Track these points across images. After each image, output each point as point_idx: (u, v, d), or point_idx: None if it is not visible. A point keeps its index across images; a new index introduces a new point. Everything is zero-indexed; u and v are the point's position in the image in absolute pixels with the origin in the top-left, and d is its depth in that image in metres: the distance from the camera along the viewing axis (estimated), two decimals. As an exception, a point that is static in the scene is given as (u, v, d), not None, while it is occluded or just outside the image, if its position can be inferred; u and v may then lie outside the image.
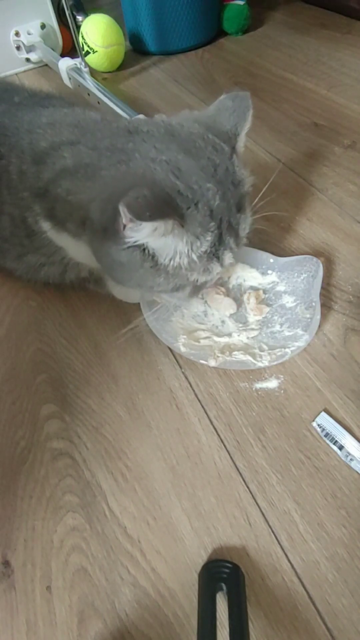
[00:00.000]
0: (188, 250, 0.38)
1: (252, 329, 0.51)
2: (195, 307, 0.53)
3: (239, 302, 0.53)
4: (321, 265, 0.51)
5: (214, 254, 0.40)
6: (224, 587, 0.35)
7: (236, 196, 0.41)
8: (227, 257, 0.41)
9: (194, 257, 0.39)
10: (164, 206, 0.35)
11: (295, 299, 0.52)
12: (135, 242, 0.36)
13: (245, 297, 0.54)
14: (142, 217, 0.33)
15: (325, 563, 0.37)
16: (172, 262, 0.39)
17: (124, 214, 0.34)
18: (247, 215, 0.43)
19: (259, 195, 0.46)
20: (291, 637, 0.34)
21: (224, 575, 0.35)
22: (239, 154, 0.44)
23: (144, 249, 0.38)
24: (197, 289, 0.44)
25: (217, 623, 0.33)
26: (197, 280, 0.41)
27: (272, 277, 0.55)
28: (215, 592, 0.35)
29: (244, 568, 0.36)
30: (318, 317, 0.47)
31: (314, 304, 0.49)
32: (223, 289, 0.54)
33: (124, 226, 0.36)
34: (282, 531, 0.38)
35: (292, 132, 0.83)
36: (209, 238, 0.38)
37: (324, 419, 0.44)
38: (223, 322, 0.52)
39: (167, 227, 0.35)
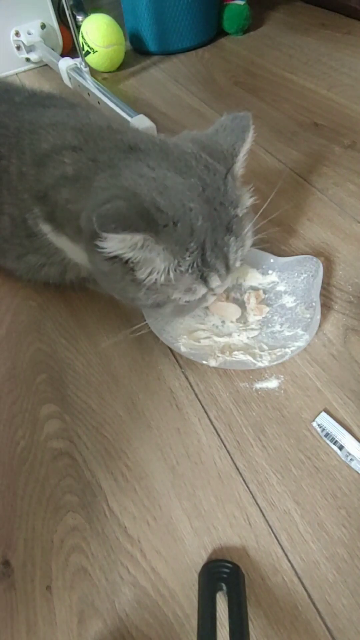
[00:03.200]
0: (165, 268, 0.37)
1: (252, 329, 0.51)
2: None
3: (239, 302, 0.53)
4: (321, 265, 0.51)
5: (199, 275, 0.39)
6: (224, 587, 0.35)
7: (226, 218, 0.39)
8: (214, 280, 0.40)
9: (172, 275, 0.38)
10: (137, 220, 0.34)
11: (295, 299, 0.52)
12: (109, 252, 0.35)
13: (245, 297, 0.54)
14: (107, 229, 0.32)
15: (325, 563, 0.37)
16: (149, 277, 0.38)
17: (94, 224, 0.33)
18: (239, 237, 0.41)
19: (268, 200, 0.45)
20: (291, 637, 0.34)
21: (224, 575, 0.35)
22: (235, 175, 0.42)
23: (126, 261, 0.37)
24: (180, 309, 0.43)
25: (217, 623, 0.33)
26: (179, 299, 0.41)
27: (272, 277, 0.55)
28: (215, 592, 0.35)
29: (244, 568, 0.36)
30: (318, 317, 0.47)
31: (314, 304, 0.49)
32: (224, 295, 0.54)
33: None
34: (282, 531, 0.38)
35: (292, 132, 0.83)
36: (188, 257, 0.37)
37: (324, 419, 0.44)
38: (223, 322, 0.52)
39: (135, 241, 0.34)
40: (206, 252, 0.38)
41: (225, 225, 0.39)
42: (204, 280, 0.40)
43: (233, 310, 0.52)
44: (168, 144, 0.43)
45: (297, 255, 0.55)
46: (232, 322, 0.52)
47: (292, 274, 0.54)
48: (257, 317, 0.52)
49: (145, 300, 0.40)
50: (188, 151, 0.41)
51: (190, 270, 0.38)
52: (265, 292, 0.54)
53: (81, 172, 0.42)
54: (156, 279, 0.38)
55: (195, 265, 0.38)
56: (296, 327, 0.49)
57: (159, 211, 0.36)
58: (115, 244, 0.34)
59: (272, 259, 0.55)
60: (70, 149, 0.44)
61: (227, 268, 0.41)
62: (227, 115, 0.44)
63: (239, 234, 0.41)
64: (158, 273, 0.37)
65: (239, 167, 0.43)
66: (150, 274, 0.38)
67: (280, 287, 0.54)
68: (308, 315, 0.49)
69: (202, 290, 0.40)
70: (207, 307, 0.53)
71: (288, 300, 0.52)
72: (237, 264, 0.42)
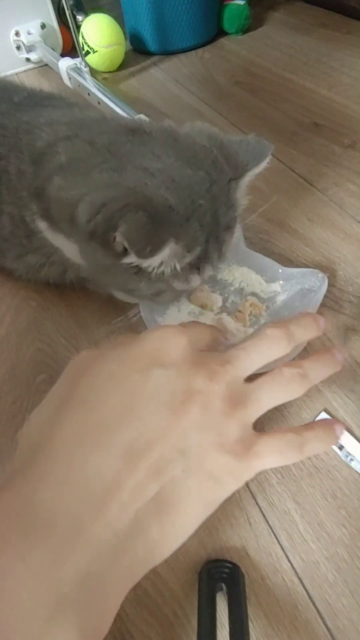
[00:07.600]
0: (174, 262, 0.38)
1: (250, 328, 0.51)
2: (191, 305, 0.53)
3: (235, 308, 0.53)
4: (326, 280, 0.50)
5: (197, 265, 0.40)
6: (224, 587, 0.35)
7: (227, 217, 0.41)
8: (207, 270, 0.41)
9: (178, 267, 0.38)
10: (162, 232, 0.34)
11: (291, 312, 0.51)
12: (130, 264, 0.36)
13: (244, 303, 0.53)
14: (144, 255, 0.33)
15: (325, 563, 0.37)
16: (155, 270, 0.38)
17: (126, 246, 0.34)
18: (232, 233, 0.42)
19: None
20: (291, 637, 0.34)
21: (224, 575, 0.35)
22: (240, 187, 0.43)
23: None
24: (175, 295, 0.44)
25: (217, 623, 0.33)
26: (176, 287, 0.41)
27: (275, 286, 0.54)
28: (215, 592, 0.35)
29: (244, 568, 0.36)
30: None
31: None
32: (205, 287, 0.54)
33: (125, 250, 0.36)
34: (282, 531, 0.38)
35: (292, 132, 0.83)
36: (196, 253, 0.38)
37: (324, 419, 0.44)
38: (202, 312, 0.52)
39: (166, 252, 0.35)
40: (209, 246, 0.39)
41: (225, 223, 0.40)
42: (199, 270, 0.41)
43: (214, 299, 0.53)
44: (178, 132, 0.43)
45: (299, 256, 0.55)
46: (212, 310, 0.52)
47: (295, 286, 0.53)
48: (240, 326, 0.51)
49: (147, 291, 0.41)
50: (200, 143, 0.41)
51: (192, 262, 0.39)
52: (264, 301, 0.53)
53: (76, 156, 0.42)
54: (162, 271, 0.38)
55: (198, 257, 0.39)
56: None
57: (171, 210, 0.36)
58: (147, 263, 0.35)
59: (280, 269, 0.54)
60: (64, 140, 0.44)
61: (220, 259, 0.42)
62: (252, 135, 0.45)
63: (234, 229, 0.43)
64: (165, 266, 0.38)
65: (245, 183, 0.43)
66: (156, 267, 0.38)
67: (281, 297, 0.53)
68: None
69: (196, 280, 0.42)
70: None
71: (284, 312, 0.52)
72: (228, 254, 0.43)
